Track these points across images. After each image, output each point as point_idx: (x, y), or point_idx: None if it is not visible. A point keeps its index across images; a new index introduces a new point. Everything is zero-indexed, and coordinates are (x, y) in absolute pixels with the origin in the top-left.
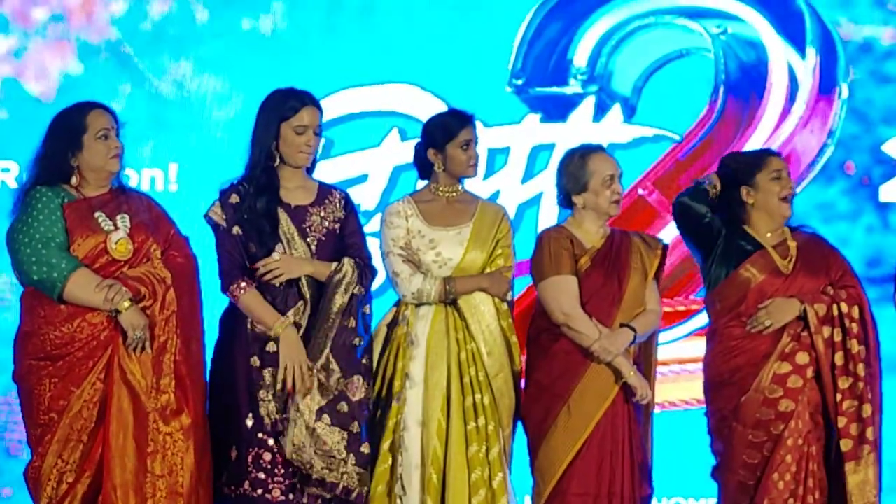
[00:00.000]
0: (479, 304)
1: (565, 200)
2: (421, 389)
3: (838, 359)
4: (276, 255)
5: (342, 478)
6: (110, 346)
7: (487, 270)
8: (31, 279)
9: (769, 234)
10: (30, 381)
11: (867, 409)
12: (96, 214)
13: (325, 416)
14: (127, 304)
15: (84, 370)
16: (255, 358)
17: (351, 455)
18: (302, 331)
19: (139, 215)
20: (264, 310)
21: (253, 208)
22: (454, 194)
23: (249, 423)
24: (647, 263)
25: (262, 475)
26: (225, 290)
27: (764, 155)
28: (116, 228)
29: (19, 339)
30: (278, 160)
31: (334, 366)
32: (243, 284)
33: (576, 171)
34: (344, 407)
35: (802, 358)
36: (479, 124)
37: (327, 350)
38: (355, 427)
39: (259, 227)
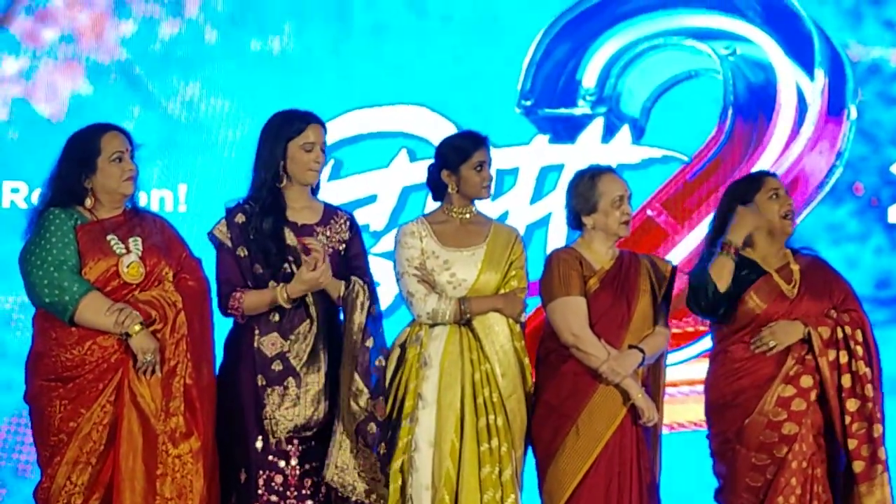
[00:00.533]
0: (494, 325)
1: (575, 221)
2: (433, 410)
3: (846, 381)
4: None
5: (378, 500)
6: (120, 369)
7: (501, 292)
8: (42, 302)
9: (773, 257)
10: (41, 402)
11: (878, 429)
12: (109, 237)
13: (360, 438)
14: (137, 327)
15: (94, 392)
16: (261, 377)
17: (383, 476)
18: (309, 349)
19: (151, 238)
20: (266, 294)
21: (259, 229)
22: (467, 216)
23: (259, 444)
24: (656, 285)
25: (274, 498)
26: (225, 313)
27: (760, 175)
28: (128, 251)
29: (31, 359)
30: (285, 180)
31: (362, 387)
32: (238, 295)
33: (585, 191)
34: (373, 428)
35: (806, 381)
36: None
37: (355, 373)
38: (383, 448)
39: (265, 248)
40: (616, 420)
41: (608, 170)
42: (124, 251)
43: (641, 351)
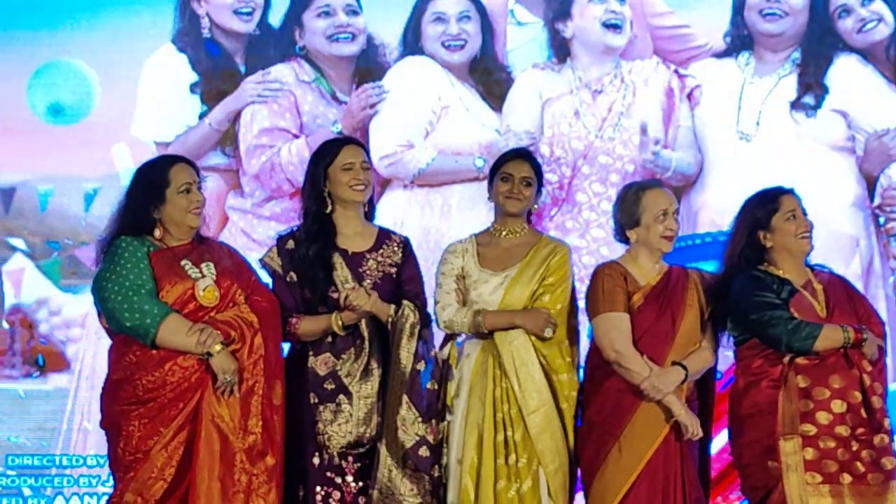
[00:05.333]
0: (514, 340)
1: (621, 235)
2: (462, 427)
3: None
4: (347, 287)
5: None
6: (200, 388)
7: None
8: (123, 326)
9: (796, 276)
10: (119, 424)
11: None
12: (182, 262)
13: (410, 462)
14: (219, 347)
15: (174, 411)
16: (313, 395)
17: (434, 500)
18: (362, 367)
19: (222, 262)
20: (321, 321)
21: (305, 255)
22: (511, 235)
23: (316, 461)
24: (703, 300)
25: None
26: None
27: (776, 195)
28: (203, 276)
29: (108, 387)
30: (332, 205)
31: (413, 411)
32: (293, 321)
33: (630, 205)
34: (425, 451)
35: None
36: None
37: (405, 397)
38: (436, 471)
39: (312, 274)
40: (658, 437)
41: (656, 184)
42: (199, 275)
43: (684, 368)
